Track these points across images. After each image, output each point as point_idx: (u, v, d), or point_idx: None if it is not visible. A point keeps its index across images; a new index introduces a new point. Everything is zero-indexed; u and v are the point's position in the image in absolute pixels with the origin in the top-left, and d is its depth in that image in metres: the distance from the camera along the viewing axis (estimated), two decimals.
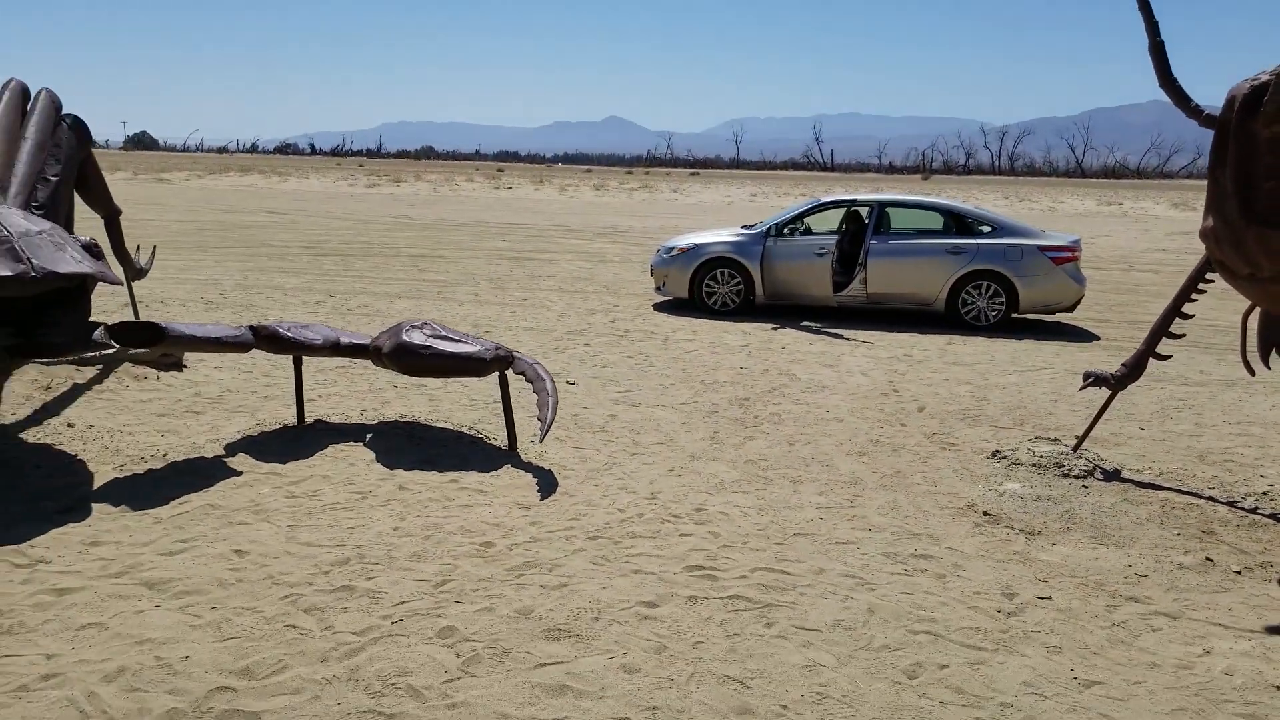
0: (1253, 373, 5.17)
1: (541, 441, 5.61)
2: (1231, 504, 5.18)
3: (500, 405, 6.02)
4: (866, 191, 12.75)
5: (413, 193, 39.55)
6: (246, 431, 5.96)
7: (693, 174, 77.02)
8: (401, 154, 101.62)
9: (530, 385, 5.68)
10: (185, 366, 7.29)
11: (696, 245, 11.42)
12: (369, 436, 5.96)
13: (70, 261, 4.75)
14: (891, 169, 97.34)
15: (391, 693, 3.10)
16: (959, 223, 10.95)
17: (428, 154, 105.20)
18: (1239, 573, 4.30)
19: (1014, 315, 10.65)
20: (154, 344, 5.03)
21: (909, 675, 3.32)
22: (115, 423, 5.98)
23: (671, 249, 11.64)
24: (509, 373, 5.77)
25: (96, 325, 5.07)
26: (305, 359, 6.79)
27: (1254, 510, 5.10)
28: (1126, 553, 4.51)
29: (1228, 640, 3.64)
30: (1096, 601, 3.97)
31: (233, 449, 5.61)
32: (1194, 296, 5.47)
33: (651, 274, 11.97)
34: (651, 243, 20.87)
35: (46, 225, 4.95)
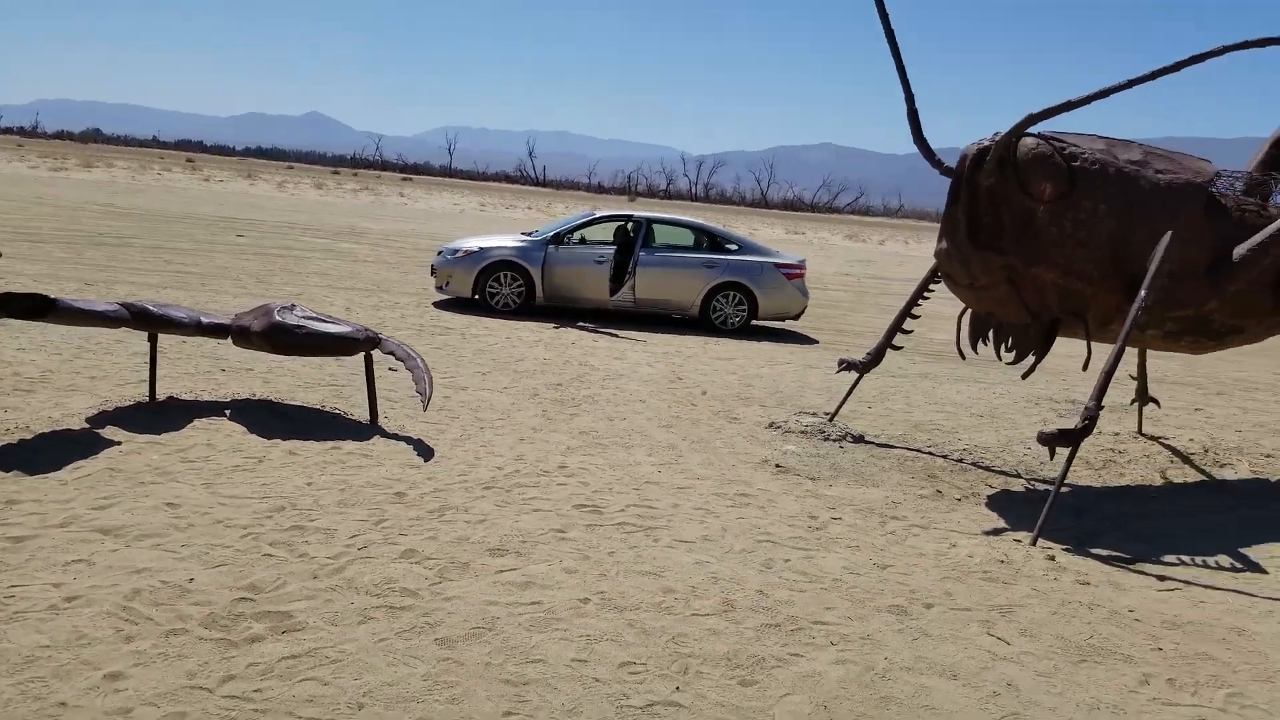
0: (964, 357, 6.97)
1: (425, 410, 6.25)
2: (945, 456, 6.96)
3: (340, 386, 6.56)
4: (635, 209, 14.17)
5: (108, 179, 36.22)
6: (99, 407, 6.05)
7: (404, 179, 76.06)
8: (64, 135, 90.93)
9: (401, 365, 6.29)
10: None
11: (482, 249, 12.21)
12: (228, 412, 6.27)
13: None
14: (600, 189, 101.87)
15: (389, 594, 3.79)
16: (711, 241, 12.63)
17: (94, 137, 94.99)
18: (960, 500, 5.95)
19: (753, 322, 12.47)
20: (43, 315, 5.13)
21: (766, 566, 4.50)
22: None
23: (456, 251, 12.34)
24: (375, 353, 6.35)
25: None
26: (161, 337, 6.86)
27: (960, 460, 6.89)
28: (882, 490, 6.03)
29: (963, 539, 5.18)
30: (871, 520, 5.39)
31: (97, 422, 5.73)
32: (921, 301, 7.22)
33: (433, 273, 12.59)
34: (397, 245, 21.16)
35: None
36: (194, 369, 7.38)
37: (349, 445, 5.81)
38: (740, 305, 12.38)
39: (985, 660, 3.70)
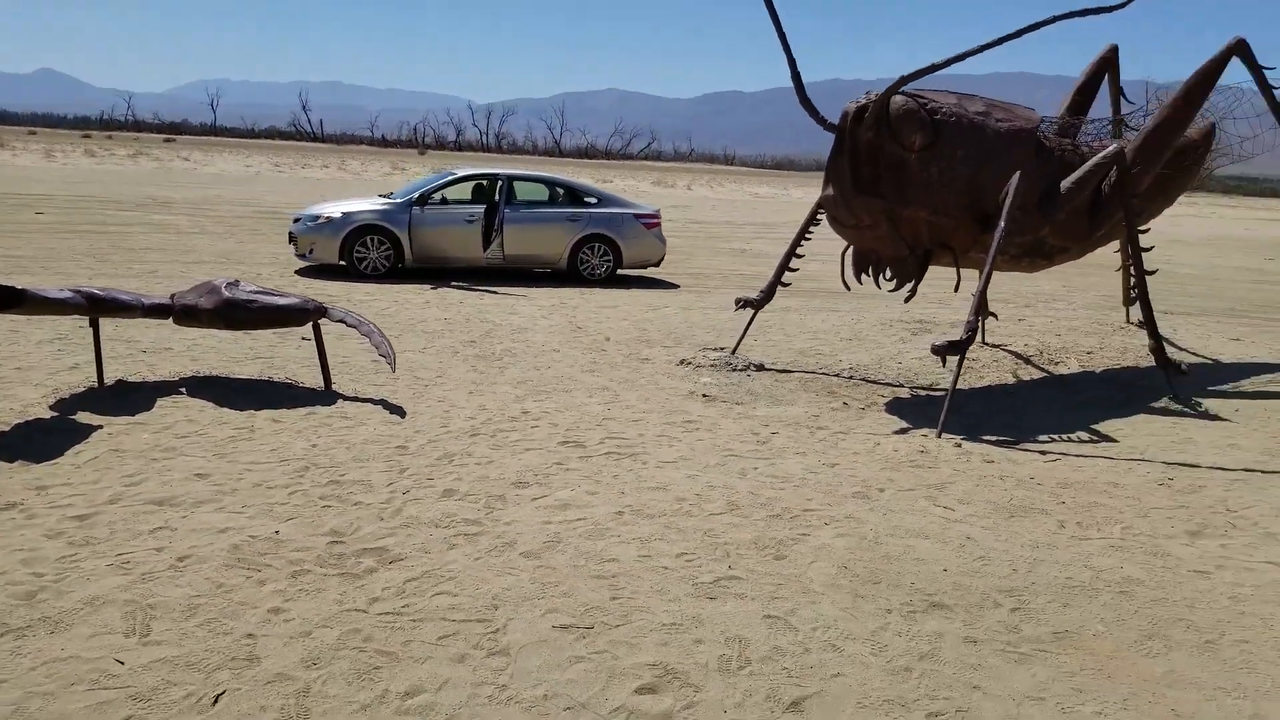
0: (848, 288, 8.00)
1: (394, 371, 6.61)
2: (836, 375, 8.03)
3: (269, 358, 6.78)
4: (494, 167, 14.51)
5: None
6: (54, 395, 6.02)
7: (167, 139, 70.76)
8: None
9: (356, 329, 6.58)
10: None
11: (346, 214, 12.22)
12: (183, 390, 6.38)
13: None
14: (385, 142, 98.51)
15: (456, 524, 4.32)
16: (570, 194, 13.22)
17: None
18: (864, 409, 7.02)
19: (618, 271, 13.21)
20: (13, 307, 5.13)
21: (742, 475, 5.32)
22: None
23: (317, 217, 12.28)
24: (322, 321, 6.62)
25: None
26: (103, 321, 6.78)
27: (850, 377, 7.99)
28: (798, 407, 6.99)
29: (883, 439, 6.22)
30: (802, 431, 6.33)
31: (64, 409, 5.75)
32: (805, 240, 8.20)
33: (292, 241, 12.48)
34: (211, 213, 20.32)
35: None
36: (113, 352, 7.30)
37: (323, 410, 6.12)
38: (605, 256, 13.08)
39: (942, 523, 4.70)
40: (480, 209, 12.50)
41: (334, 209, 12.42)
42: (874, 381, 7.92)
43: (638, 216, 13.27)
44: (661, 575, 3.92)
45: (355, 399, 6.45)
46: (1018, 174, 6.80)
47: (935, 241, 7.09)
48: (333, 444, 5.42)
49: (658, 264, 13.62)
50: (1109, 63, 8.75)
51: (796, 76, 6.94)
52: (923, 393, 7.60)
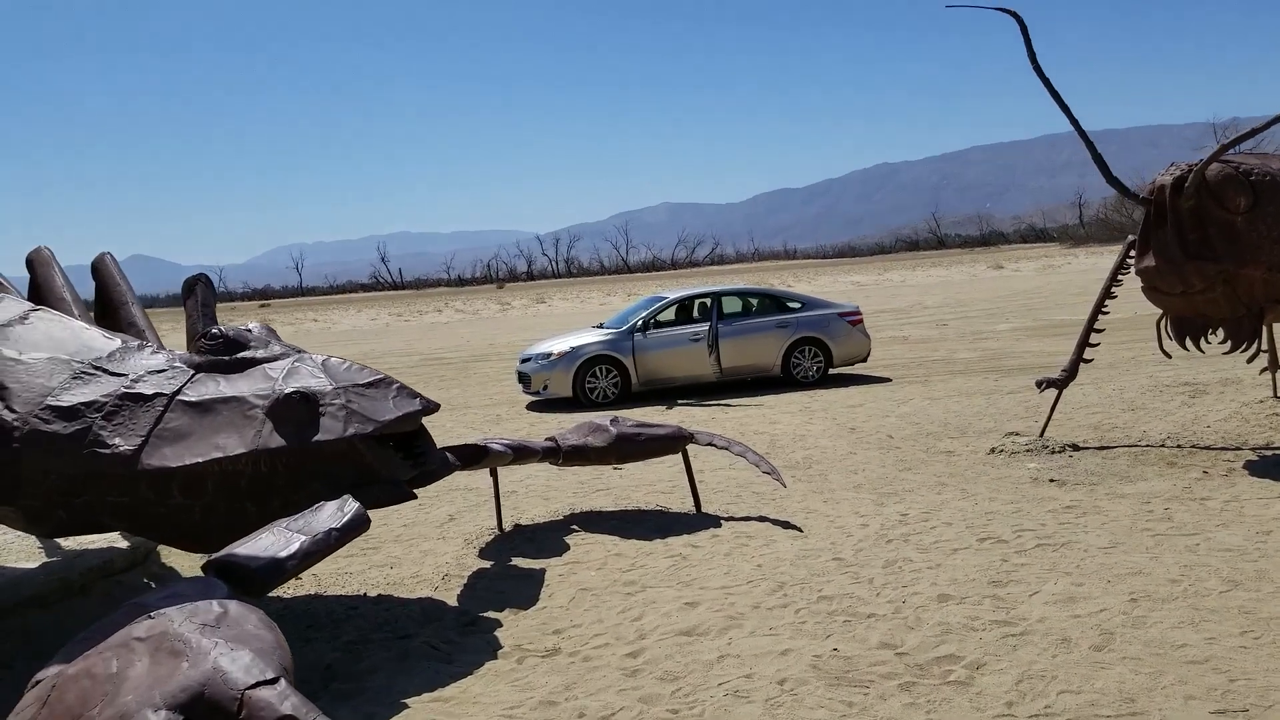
0: (1169, 356, 7.98)
1: (785, 485, 6.99)
2: (1159, 445, 7.94)
3: (608, 488, 6.99)
4: (707, 286, 15.07)
5: None
6: (474, 544, 6.32)
7: (263, 305, 74.82)
8: None
9: (727, 450, 6.78)
10: None
11: (574, 348, 12.73)
12: (575, 526, 6.63)
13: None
14: (461, 281, 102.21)
15: (984, 624, 4.37)
16: (775, 302, 13.56)
17: None
18: (1226, 476, 6.91)
19: (830, 371, 13.38)
20: (478, 463, 5.49)
21: (1192, 550, 5.27)
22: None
23: (548, 354, 12.81)
24: (689, 447, 6.86)
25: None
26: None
27: (1178, 446, 7.89)
28: (1159, 482, 6.90)
29: (1254, 501, 6.10)
30: (1193, 505, 6.24)
31: (494, 555, 6.03)
32: (1103, 312, 8.26)
33: (521, 380, 13.04)
34: (386, 366, 21.13)
35: None
36: (467, 500, 7.65)
37: (724, 532, 6.28)
38: (816, 357, 13.28)
39: None
40: (704, 328, 12.87)
41: (561, 344, 12.95)
42: (1204, 448, 7.81)
43: (842, 315, 13.50)
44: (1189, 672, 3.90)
45: (734, 519, 6.61)
46: None
47: (1269, 298, 7.09)
48: (776, 560, 5.56)
49: (865, 359, 13.75)
50: None
51: (1098, 157, 7.15)
52: (1270, 453, 7.46)
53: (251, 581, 3.75)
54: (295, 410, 4.61)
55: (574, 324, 24.54)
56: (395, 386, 4.96)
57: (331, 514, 4.19)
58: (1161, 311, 7.55)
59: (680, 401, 12.54)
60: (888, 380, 13.38)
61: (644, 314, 13.16)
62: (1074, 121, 7.12)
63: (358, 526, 4.20)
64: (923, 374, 13.86)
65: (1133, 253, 7.62)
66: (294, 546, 3.94)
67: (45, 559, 5.42)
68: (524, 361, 13.17)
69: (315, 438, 4.59)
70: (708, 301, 13.30)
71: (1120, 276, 8.30)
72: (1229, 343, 7.27)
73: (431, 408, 5.03)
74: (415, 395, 4.98)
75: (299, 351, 5.21)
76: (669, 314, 13.53)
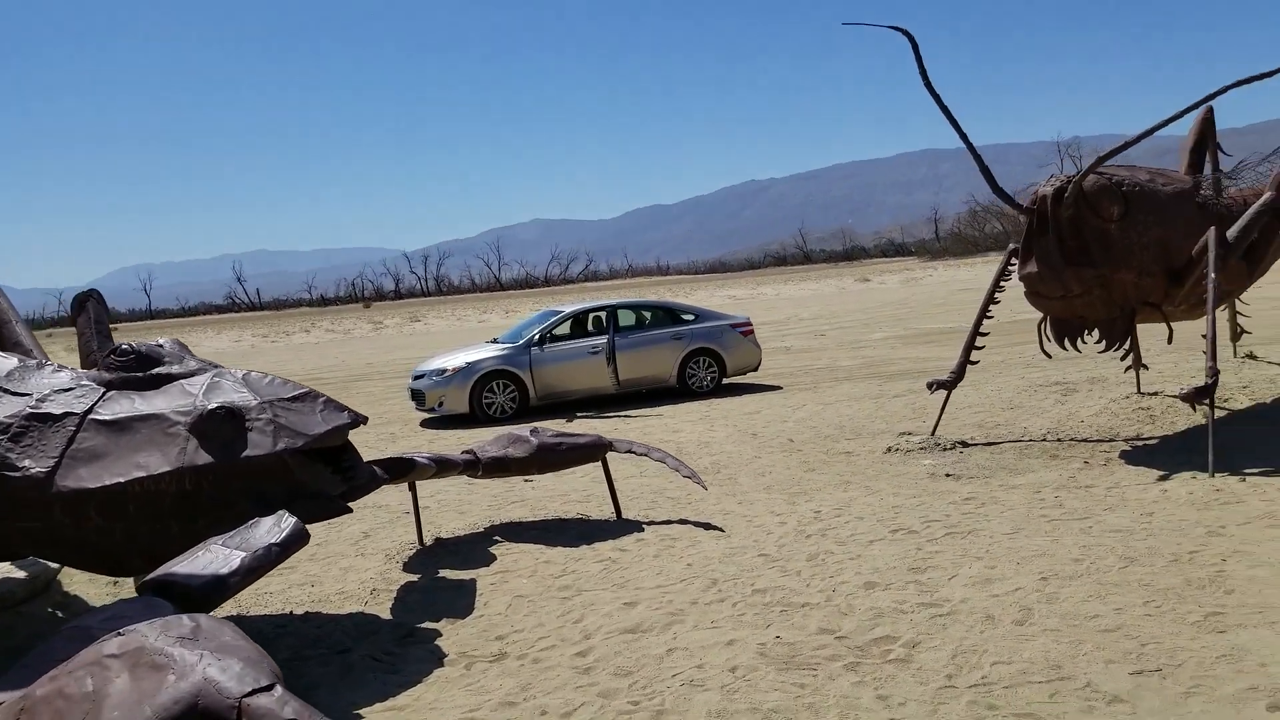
0: (1049, 356, 8.53)
1: (706, 488, 7.14)
2: (1041, 440, 8.50)
3: (523, 499, 7.03)
4: (597, 300, 15.12)
5: None
6: (395, 559, 6.19)
7: (112, 327, 70.65)
8: None
9: (646, 456, 6.86)
10: None
11: (470, 363, 12.59)
12: (498, 538, 6.59)
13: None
14: (325, 301, 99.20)
15: (910, 608, 4.61)
16: (669, 314, 13.79)
17: None
18: (1105, 465, 7.46)
19: (724, 380, 13.69)
20: (404, 476, 5.40)
21: (1085, 531, 5.68)
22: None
23: (442, 371, 12.62)
24: (608, 455, 6.92)
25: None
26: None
27: (1059, 440, 8.45)
28: (1045, 473, 7.39)
29: (1159, 486, 6.63)
30: (1079, 492, 6.72)
31: (420, 568, 5.92)
32: (987, 316, 8.79)
33: (414, 397, 12.82)
34: None
35: None
36: (378, 517, 7.48)
37: (649, 535, 6.37)
38: (710, 368, 13.57)
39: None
40: (602, 340, 12.94)
41: (455, 360, 12.79)
42: (1081, 440, 8.40)
43: (734, 326, 13.85)
44: (1110, 639, 4.26)
45: (655, 523, 6.71)
46: (1212, 230, 7.49)
47: (1139, 300, 7.70)
48: (705, 559, 5.68)
49: (756, 369, 14.13)
50: (1208, 123, 9.68)
51: (984, 169, 7.63)
52: (1140, 443, 8.09)
53: (193, 600, 3.61)
54: (221, 426, 4.46)
55: (453, 342, 24.28)
56: (322, 400, 4.85)
57: (269, 529, 4.07)
58: (1042, 314, 8.10)
59: (579, 414, 12.58)
60: (779, 388, 13.79)
61: (539, 328, 13.15)
62: (963, 135, 7.57)
63: (297, 541, 4.10)
64: (810, 381, 14.35)
65: (1014, 260, 8.16)
66: (235, 563, 3.82)
67: None
68: (417, 378, 12.95)
69: (244, 453, 4.45)
70: (603, 315, 13.42)
71: (1002, 283, 8.85)
72: (1103, 342, 7.86)
73: (359, 420, 4.94)
74: (343, 408, 4.89)
75: (215, 366, 5.03)
76: (564, 328, 13.56)
